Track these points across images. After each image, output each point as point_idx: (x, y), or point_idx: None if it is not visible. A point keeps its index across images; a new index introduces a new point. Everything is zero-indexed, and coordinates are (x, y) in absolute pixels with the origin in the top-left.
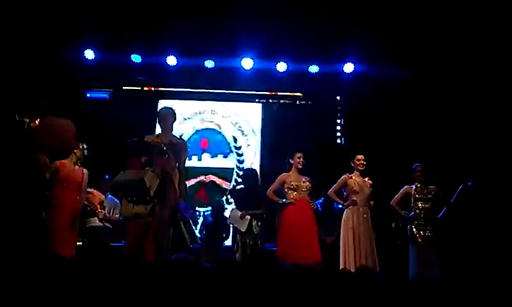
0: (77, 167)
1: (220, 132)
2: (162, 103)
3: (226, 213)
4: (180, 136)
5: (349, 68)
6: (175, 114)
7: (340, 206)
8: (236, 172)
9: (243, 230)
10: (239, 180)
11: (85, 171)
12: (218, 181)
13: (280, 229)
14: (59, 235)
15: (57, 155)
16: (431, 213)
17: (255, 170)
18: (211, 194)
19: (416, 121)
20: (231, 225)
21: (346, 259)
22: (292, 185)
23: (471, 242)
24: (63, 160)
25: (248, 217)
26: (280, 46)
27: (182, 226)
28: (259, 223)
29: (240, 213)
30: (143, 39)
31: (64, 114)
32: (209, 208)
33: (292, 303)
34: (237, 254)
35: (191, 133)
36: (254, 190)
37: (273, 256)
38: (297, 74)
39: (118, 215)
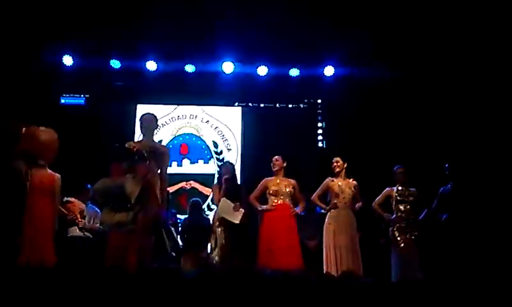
0: (48, 172)
1: (200, 137)
2: (141, 109)
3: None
4: (159, 142)
5: (329, 71)
6: (157, 119)
7: (321, 210)
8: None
9: (236, 222)
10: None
11: (57, 175)
12: (199, 187)
13: (261, 235)
14: (32, 242)
15: (36, 162)
16: (413, 215)
17: (199, 201)
18: None
19: (397, 123)
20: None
21: (329, 264)
22: (274, 190)
23: (452, 244)
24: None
25: (242, 209)
26: (261, 50)
27: (164, 233)
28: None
29: (232, 204)
30: (122, 45)
31: (42, 120)
32: None
33: None
34: (215, 252)
35: (170, 139)
36: (199, 222)
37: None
38: (278, 77)
39: (98, 225)
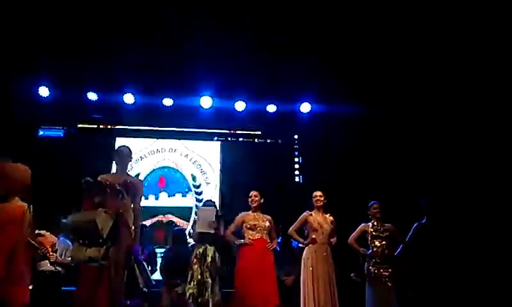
0: (17, 204)
1: (178, 170)
2: (119, 142)
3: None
4: (137, 175)
5: (305, 108)
6: (131, 153)
7: (299, 244)
8: (195, 211)
9: (212, 232)
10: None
11: (25, 207)
12: (176, 220)
13: (237, 271)
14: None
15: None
16: (388, 251)
17: (183, 230)
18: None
19: (373, 158)
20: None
21: (306, 300)
22: (251, 224)
23: (428, 279)
24: None
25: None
26: (238, 85)
27: (137, 269)
28: (219, 255)
29: (210, 211)
30: (100, 77)
31: (17, 152)
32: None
33: None
34: (191, 287)
35: (149, 172)
36: (181, 253)
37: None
38: (255, 113)
39: (70, 259)
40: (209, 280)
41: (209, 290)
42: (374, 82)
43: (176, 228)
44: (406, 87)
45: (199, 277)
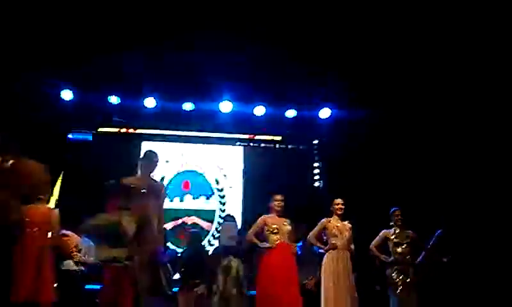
0: (45, 207)
1: (201, 174)
2: (145, 145)
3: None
4: (162, 179)
5: (325, 113)
6: (157, 158)
7: (319, 250)
8: (219, 214)
9: (233, 245)
10: (221, 221)
11: (54, 211)
12: (201, 222)
13: (260, 275)
14: (22, 278)
15: (27, 197)
16: (410, 258)
17: (198, 233)
18: None
19: (393, 164)
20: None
21: (327, 305)
22: (273, 228)
23: (450, 287)
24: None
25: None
26: (258, 90)
27: (161, 270)
28: (243, 266)
29: (232, 226)
30: (121, 81)
31: (44, 155)
32: None
33: None
34: (215, 299)
35: (173, 176)
36: (198, 255)
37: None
38: (274, 118)
39: (93, 258)
40: (234, 291)
41: (234, 301)
42: (395, 88)
43: (193, 229)
44: (430, 92)
45: (221, 288)
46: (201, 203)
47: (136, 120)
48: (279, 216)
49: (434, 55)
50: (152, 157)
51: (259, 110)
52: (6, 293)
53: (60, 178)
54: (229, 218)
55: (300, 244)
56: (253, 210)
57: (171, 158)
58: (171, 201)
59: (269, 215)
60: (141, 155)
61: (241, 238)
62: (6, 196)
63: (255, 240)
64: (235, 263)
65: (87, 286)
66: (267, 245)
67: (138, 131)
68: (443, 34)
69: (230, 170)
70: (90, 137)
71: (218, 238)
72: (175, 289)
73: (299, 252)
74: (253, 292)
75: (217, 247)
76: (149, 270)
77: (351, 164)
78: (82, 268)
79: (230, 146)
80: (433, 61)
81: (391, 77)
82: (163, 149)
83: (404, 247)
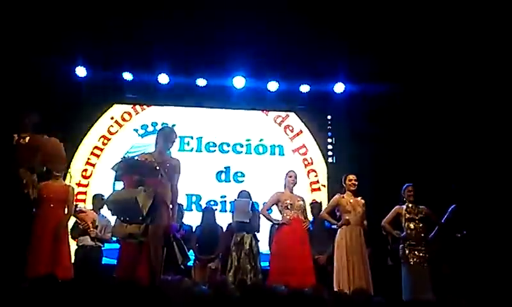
0: (61, 183)
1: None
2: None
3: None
4: None
5: (339, 88)
6: (175, 134)
7: (332, 225)
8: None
9: (246, 221)
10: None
11: (69, 187)
12: None
13: (274, 249)
14: (39, 254)
15: (43, 173)
16: (423, 233)
17: (211, 207)
18: None
19: (407, 140)
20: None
21: (340, 281)
22: (287, 203)
23: (463, 261)
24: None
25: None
26: (272, 65)
27: (175, 246)
28: (257, 242)
29: (245, 202)
30: (134, 57)
31: (55, 130)
32: None
33: None
34: (230, 274)
35: None
36: (211, 229)
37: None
38: (288, 93)
39: (110, 235)
40: (248, 266)
41: (249, 275)
42: (409, 63)
43: (207, 204)
44: (443, 68)
45: (236, 263)
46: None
47: (149, 96)
48: (292, 192)
49: (451, 29)
50: (168, 133)
51: (272, 86)
52: (22, 269)
53: (75, 155)
54: (243, 194)
55: (312, 220)
56: None
57: (185, 132)
58: None
59: (283, 191)
60: (158, 131)
61: (254, 213)
62: (23, 172)
63: (268, 216)
64: (248, 238)
65: (103, 262)
66: (282, 220)
67: (152, 107)
68: (462, 4)
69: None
70: None
71: (232, 213)
72: (190, 264)
73: (311, 228)
74: (266, 267)
75: (231, 222)
76: (164, 245)
77: (364, 140)
78: (99, 244)
79: (244, 122)
80: (449, 35)
81: (406, 51)
82: (176, 125)
83: (416, 222)
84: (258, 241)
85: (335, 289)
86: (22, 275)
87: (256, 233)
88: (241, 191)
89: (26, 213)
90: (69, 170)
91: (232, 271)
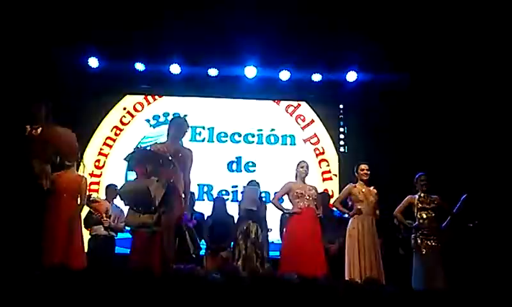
0: (74, 174)
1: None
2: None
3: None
4: None
5: (351, 76)
6: (187, 124)
7: (344, 215)
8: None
9: (254, 209)
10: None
11: (83, 178)
12: None
13: (286, 239)
14: (53, 244)
15: (56, 164)
16: (435, 223)
17: (222, 197)
18: None
19: (419, 129)
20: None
21: (352, 270)
22: (298, 192)
23: (475, 252)
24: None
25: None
26: (283, 54)
27: (187, 235)
28: (263, 231)
29: (254, 190)
30: (146, 47)
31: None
32: None
33: None
34: (238, 263)
35: None
36: (222, 219)
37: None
38: (300, 82)
39: (123, 224)
40: (254, 255)
41: (255, 263)
42: (423, 51)
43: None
44: (456, 56)
45: (243, 252)
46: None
47: (161, 87)
48: (304, 182)
49: (465, 17)
50: (180, 123)
51: (284, 75)
52: (39, 257)
53: (88, 145)
54: (253, 182)
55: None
56: None
57: (197, 122)
58: None
59: (294, 180)
60: (170, 121)
61: (262, 202)
62: (36, 163)
63: (279, 205)
64: (253, 227)
65: (116, 251)
66: (293, 210)
67: (164, 98)
68: None
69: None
70: None
71: (239, 202)
72: (202, 253)
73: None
74: (276, 256)
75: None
76: (176, 235)
77: (376, 129)
78: (113, 233)
79: (255, 111)
80: (463, 23)
81: (419, 39)
82: (188, 115)
83: (429, 212)
84: (270, 230)
85: (347, 278)
86: (39, 265)
87: (262, 222)
88: (250, 181)
89: (40, 203)
90: (82, 160)
91: (241, 260)
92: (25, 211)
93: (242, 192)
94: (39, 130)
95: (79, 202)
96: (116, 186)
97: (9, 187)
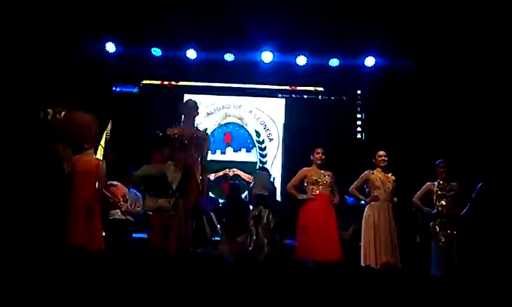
0: (92, 158)
1: (243, 126)
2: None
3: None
4: (205, 130)
5: (370, 61)
6: (197, 106)
7: (361, 201)
8: (259, 165)
9: (266, 194)
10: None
11: (100, 162)
12: (242, 174)
13: (300, 225)
14: (74, 225)
15: (79, 146)
16: (454, 210)
17: (237, 184)
18: None
19: (438, 116)
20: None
21: (367, 256)
22: (313, 179)
23: (493, 239)
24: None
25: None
26: (300, 39)
27: (204, 219)
28: (274, 216)
29: (265, 176)
30: (163, 33)
31: (89, 107)
32: None
33: (315, 301)
34: (250, 248)
35: (215, 128)
36: (237, 205)
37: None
38: (317, 68)
39: (140, 209)
40: (265, 240)
41: (265, 249)
42: (441, 37)
43: (232, 182)
44: (472, 42)
45: (254, 237)
46: (242, 155)
47: (178, 72)
48: (320, 168)
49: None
50: (190, 106)
51: (301, 60)
52: (63, 239)
53: (107, 130)
54: (263, 169)
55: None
56: (294, 162)
57: (212, 110)
58: (213, 153)
59: (310, 167)
60: (182, 104)
61: (273, 188)
62: (60, 146)
63: (294, 192)
64: (265, 212)
65: (134, 235)
66: (306, 196)
67: (180, 83)
68: None
69: (271, 122)
70: (136, 90)
71: (251, 188)
72: (217, 238)
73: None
74: (291, 242)
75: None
76: (193, 219)
77: (394, 115)
78: (130, 217)
79: (272, 98)
80: (482, 9)
81: (437, 25)
82: (205, 101)
83: (448, 199)
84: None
85: (362, 264)
86: (62, 246)
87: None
88: (260, 167)
89: (63, 186)
90: (101, 144)
91: (252, 245)
92: (49, 193)
93: (252, 178)
94: (62, 114)
95: (97, 186)
96: (134, 171)
97: (34, 170)
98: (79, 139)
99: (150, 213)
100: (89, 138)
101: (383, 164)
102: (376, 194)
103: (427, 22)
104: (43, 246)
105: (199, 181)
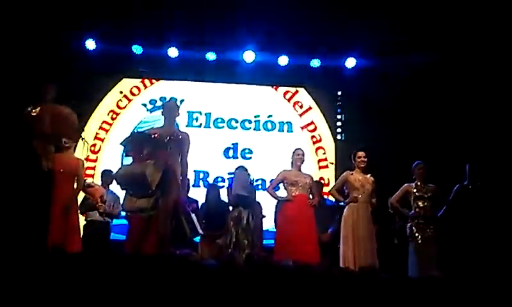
0: (71, 156)
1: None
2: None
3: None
4: None
5: (350, 63)
6: (178, 106)
7: (340, 202)
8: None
9: (246, 195)
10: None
11: (81, 160)
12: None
13: (278, 226)
14: (51, 225)
15: (58, 142)
16: (431, 212)
17: (215, 184)
18: None
19: (418, 117)
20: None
21: (346, 258)
22: (292, 181)
23: (470, 241)
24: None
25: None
26: (282, 39)
27: (183, 219)
28: (253, 217)
29: (245, 175)
30: (144, 30)
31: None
32: None
33: (294, 302)
34: (230, 250)
35: None
36: (215, 206)
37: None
38: (298, 68)
39: (118, 210)
40: (245, 241)
41: (246, 250)
42: (421, 39)
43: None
44: (455, 44)
45: (233, 239)
46: None
47: (158, 71)
48: (300, 170)
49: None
50: (170, 106)
51: (283, 61)
52: (44, 240)
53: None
54: (241, 168)
55: None
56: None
57: (194, 108)
58: None
59: (289, 169)
60: (161, 105)
61: (253, 188)
62: (37, 143)
63: (273, 193)
64: (245, 213)
65: (112, 237)
66: (285, 197)
67: (161, 82)
68: None
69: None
70: None
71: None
72: (197, 239)
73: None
74: (271, 243)
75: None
76: (173, 219)
77: (374, 117)
78: (108, 219)
79: (253, 97)
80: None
81: (419, 28)
82: (186, 100)
83: (425, 201)
84: (264, 217)
85: (341, 266)
86: (44, 245)
87: (253, 209)
88: (239, 166)
89: (41, 184)
90: (84, 139)
91: (232, 247)
92: (28, 192)
93: (231, 175)
94: (38, 109)
95: (75, 186)
96: (112, 171)
97: (12, 168)
98: (56, 135)
99: (129, 214)
100: (67, 133)
101: (362, 165)
102: (355, 195)
103: (408, 24)
104: (23, 246)
105: (179, 181)
